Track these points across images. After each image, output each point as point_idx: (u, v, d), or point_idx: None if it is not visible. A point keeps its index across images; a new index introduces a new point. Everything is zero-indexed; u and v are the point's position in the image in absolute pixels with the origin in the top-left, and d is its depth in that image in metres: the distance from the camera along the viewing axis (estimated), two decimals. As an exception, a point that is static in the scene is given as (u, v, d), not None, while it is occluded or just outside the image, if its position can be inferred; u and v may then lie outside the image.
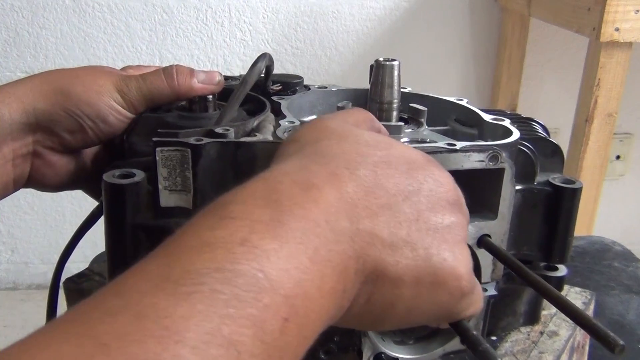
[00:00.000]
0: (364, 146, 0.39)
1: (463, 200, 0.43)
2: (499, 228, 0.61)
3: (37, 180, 0.64)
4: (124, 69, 0.69)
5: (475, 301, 0.42)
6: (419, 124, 0.65)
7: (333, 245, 0.33)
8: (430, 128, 0.67)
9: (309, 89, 0.75)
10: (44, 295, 0.67)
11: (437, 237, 0.38)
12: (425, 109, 0.66)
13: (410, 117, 0.67)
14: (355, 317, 0.37)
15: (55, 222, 2.01)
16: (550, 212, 0.63)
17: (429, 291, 0.38)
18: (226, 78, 0.77)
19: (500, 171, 0.58)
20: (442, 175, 0.42)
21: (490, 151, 0.57)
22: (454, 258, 0.38)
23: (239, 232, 0.32)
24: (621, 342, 0.40)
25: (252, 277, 0.30)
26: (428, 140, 0.61)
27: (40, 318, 0.69)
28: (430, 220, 0.39)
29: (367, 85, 0.68)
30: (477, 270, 0.62)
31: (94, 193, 0.70)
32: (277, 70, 0.72)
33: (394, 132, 0.61)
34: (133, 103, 0.63)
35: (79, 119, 0.61)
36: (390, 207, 0.37)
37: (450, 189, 0.42)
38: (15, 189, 0.64)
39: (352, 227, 0.35)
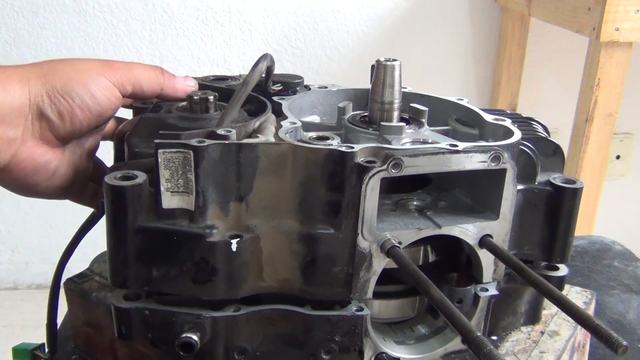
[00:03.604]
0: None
1: None
2: (500, 228, 0.61)
3: (12, 174, 0.62)
4: None
5: None
6: (420, 124, 0.66)
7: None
8: (432, 128, 0.67)
9: (310, 89, 0.75)
10: (44, 295, 0.67)
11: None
12: (426, 109, 0.66)
13: (412, 117, 0.67)
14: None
15: (55, 222, 2.01)
16: (551, 212, 0.63)
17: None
18: (226, 78, 0.77)
19: (502, 172, 0.59)
20: None
21: (492, 152, 0.57)
22: None
23: None
24: (624, 343, 0.40)
25: None
26: (430, 140, 0.61)
27: (41, 318, 0.69)
28: None
29: (367, 85, 0.68)
30: (478, 270, 0.62)
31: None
32: (277, 70, 0.72)
33: (396, 132, 0.61)
34: (121, 81, 0.64)
35: (67, 98, 0.61)
36: None
37: None
38: None
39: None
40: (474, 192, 0.64)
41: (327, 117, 0.74)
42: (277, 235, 0.56)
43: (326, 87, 0.75)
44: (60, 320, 0.70)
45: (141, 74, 0.66)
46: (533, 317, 0.69)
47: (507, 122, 0.63)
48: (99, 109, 0.63)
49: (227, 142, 0.54)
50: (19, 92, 0.60)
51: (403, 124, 0.63)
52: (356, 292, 0.57)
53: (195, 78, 0.76)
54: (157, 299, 0.57)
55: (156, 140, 0.53)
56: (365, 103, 0.71)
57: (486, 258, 0.61)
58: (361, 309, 0.57)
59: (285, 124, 0.60)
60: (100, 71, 0.63)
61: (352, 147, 0.54)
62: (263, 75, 0.68)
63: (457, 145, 0.57)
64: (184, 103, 0.67)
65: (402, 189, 0.65)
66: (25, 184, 0.64)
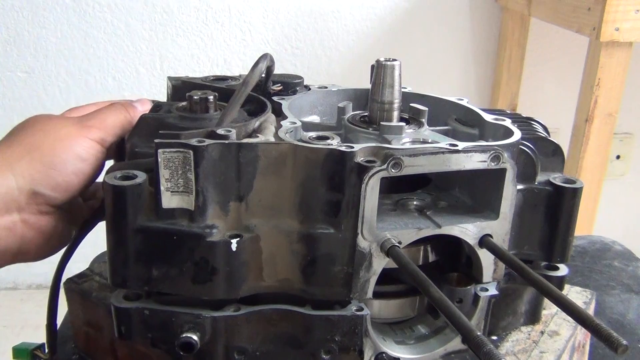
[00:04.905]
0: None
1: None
2: (500, 228, 0.61)
3: (29, 252, 0.63)
4: (68, 111, 0.69)
5: None
6: (420, 124, 0.66)
7: None
8: (431, 128, 0.67)
9: (309, 89, 0.75)
10: (44, 295, 0.67)
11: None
12: (426, 109, 0.66)
13: (411, 117, 0.67)
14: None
15: (55, 222, 2.01)
16: (551, 211, 0.63)
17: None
18: (226, 78, 0.77)
19: (502, 171, 0.59)
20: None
21: (492, 151, 0.57)
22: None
23: None
24: (624, 342, 0.40)
25: None
26: (430, 140, 0.61)
27: (41, 318, 0.69)
28: None
29: (367, 85, 0.68)
30: (478, 270, 0.62)
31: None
32: (277, 70, 0.72)
33: (396, 131, 0.61)
34: (101, 136, 0.64)
35: (59, 167, 0.61)
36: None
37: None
38: None
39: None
40: (474, 192, 0.64)
41: (327, 117, 0.74)
42: (277, 235, 0.56)
43: (326, 87, 0.75)
44: (60, 320, 0.70)
45: (114, 122, 0.66)
46: (533, 317, 0.69)
47: (507, 122, 0.63)
48: (90, 169, 0.63)
49: (227, 141, 0.54)
50: (1, 180, 0.59)
51: (403, 123, 0.63)
52: (356, 292, 0.57)
53: (195, 78, 0.76)
54: (157, 299, 0.57)
55: (156, 140, 0.53)
56: (365, 103, 0.71)
57: (486, 258, 0.61)
58: (361, 309, 0.57)
59: (285, 123, 0.60)
60: (79, 133, 0.63)
61: (352, 147, 0.54)
62: (263, 75, 0.68)
63: (456, 145, 0.57)
64: (184, 103, 0.67)
65: (402, 189, 0.65)
66: (44, 252, 0.64)
